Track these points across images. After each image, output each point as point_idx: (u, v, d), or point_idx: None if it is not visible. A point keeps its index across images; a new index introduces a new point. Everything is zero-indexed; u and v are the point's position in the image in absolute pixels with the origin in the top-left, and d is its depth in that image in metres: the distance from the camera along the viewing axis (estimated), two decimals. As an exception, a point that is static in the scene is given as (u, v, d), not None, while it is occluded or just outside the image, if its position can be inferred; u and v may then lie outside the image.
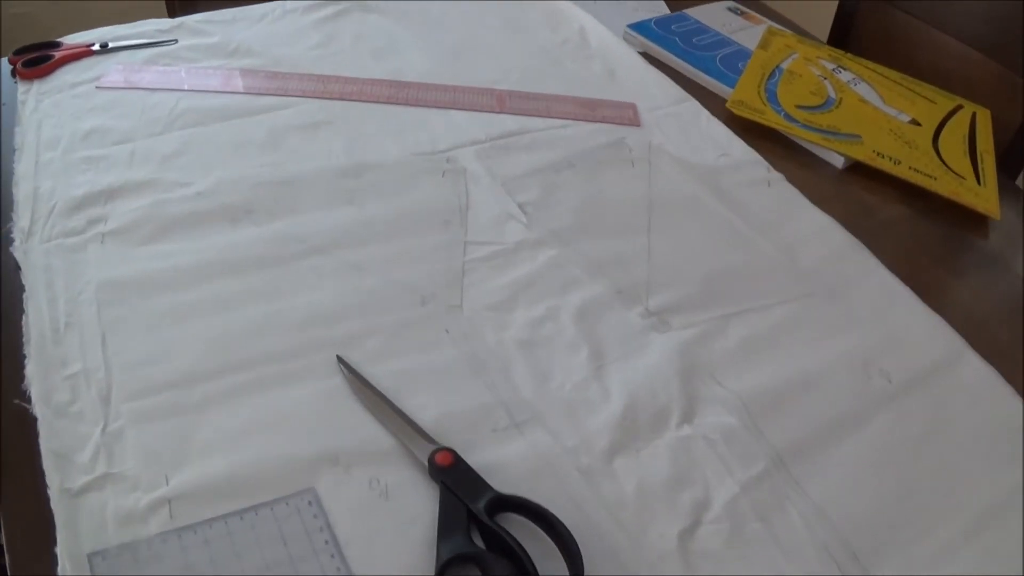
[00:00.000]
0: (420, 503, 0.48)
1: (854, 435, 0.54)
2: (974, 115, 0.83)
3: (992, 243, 0.72)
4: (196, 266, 0.60)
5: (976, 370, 0.58)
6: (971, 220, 0.73)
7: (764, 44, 0.88)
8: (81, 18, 0.91)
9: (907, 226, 0.72)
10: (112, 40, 0.82)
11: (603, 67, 0.85)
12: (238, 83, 0.78)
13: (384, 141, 0.73)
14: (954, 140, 0.79)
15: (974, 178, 0.75)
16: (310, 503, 0.48)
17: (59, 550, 0.45)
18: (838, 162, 0.76)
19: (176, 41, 0.83)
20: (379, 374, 0.54)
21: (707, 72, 0.84)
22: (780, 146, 0.78)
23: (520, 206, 0.67)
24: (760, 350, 0.58)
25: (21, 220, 0.63)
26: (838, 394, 0.56)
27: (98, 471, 0.48)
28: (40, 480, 0.48)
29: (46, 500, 0.47)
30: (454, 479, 0.48)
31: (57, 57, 0.79)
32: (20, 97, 0.76)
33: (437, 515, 0.47)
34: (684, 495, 0.50)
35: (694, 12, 0.94)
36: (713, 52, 0.87)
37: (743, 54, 0.87)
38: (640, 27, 0.89)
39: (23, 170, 0.68)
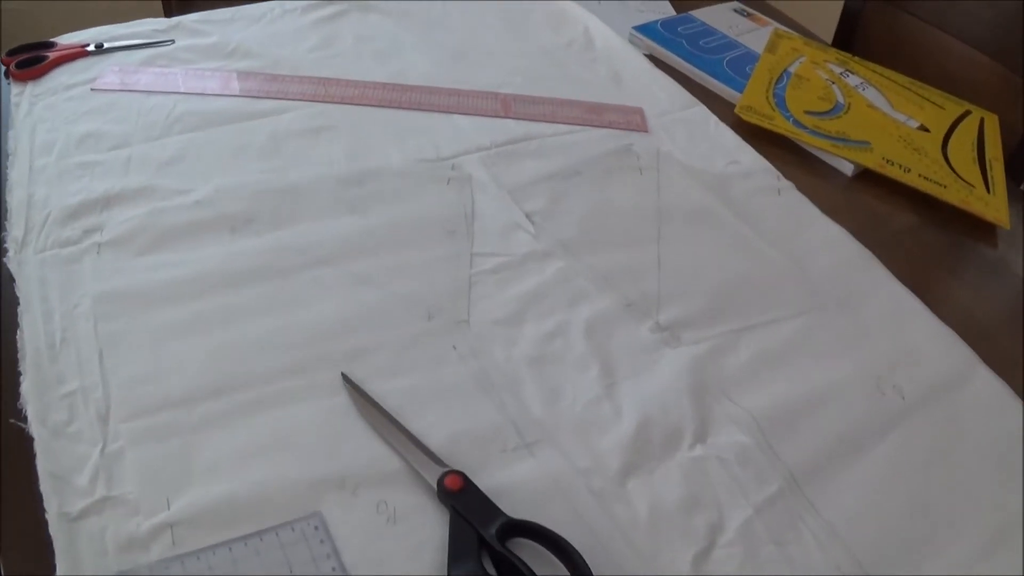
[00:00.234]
0: (429, 528, 0.47)
1: (867, 453, 0.52)
2: (982, 121, 0.82)
3: (1001, 252, 0.71)
4: (195, 278, 0.59)
5: (988, 385, 0.57)
6: (980, 229, 0.71)
7: (771, 47, 0.86)
8: (75, 16, 0.89)
9: (917, 236, 0.71)
10: (107, 40, 0.80)
11: (608, 70, 0.83)
12: (236, 86, 0.75)
13: (386, 147, 0.71)
14: (963, 147, 0.78)
15: (983, 186, 0.74)
16: (316, 528, 0.47)
17: (60, 577, 0.43)
18: (847, 169, 0.75)
19: (173, 41, 0.81)
20: (385, 392, 0.53)
21: (715, 76, 0.83)
22: (788, 152, 0.76)
23: (527, 215, 0.66)
24: (772, 366, 0.57)
25: (15, 229, 0.61)
26: (851, 411, 0.55)
27: (97, 494, 0.47)
28: (39, 503, 0.46)
29: (45, 524, 0.45)
30: (464, 504, 0.47)
31: (51, 58, 0.76)
32: (13, 100, 0.74)
33: (447, 540, 0.45)
34: (698, 518, 0.48)
35: (700, 14, 0.92)
36: (720, 55, 0.85)
37: (750, 57, 0.85)
38: (646, 29, 0.87)
39: (16, 176, 0.66)
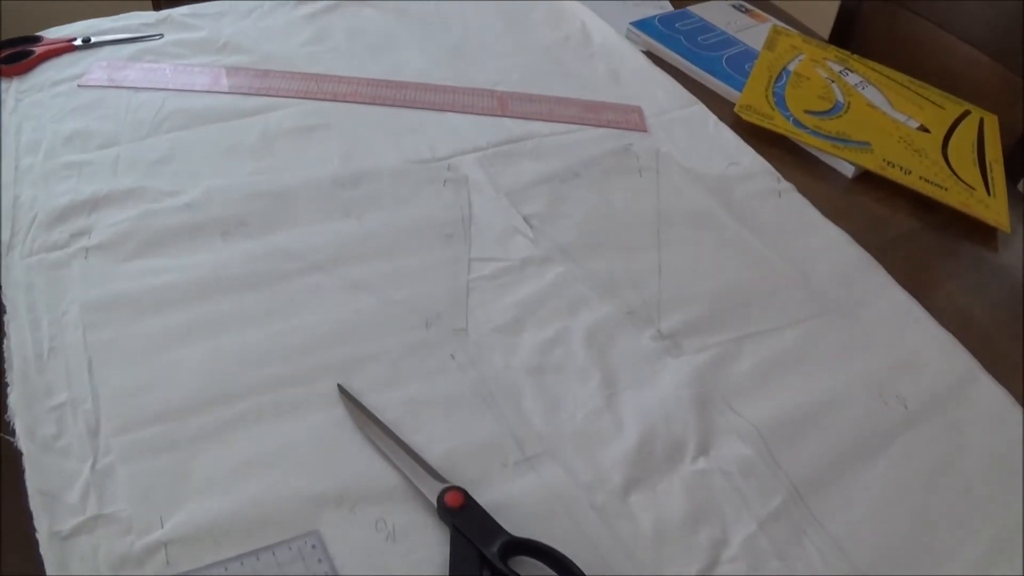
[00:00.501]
0: (429, 546, 0.45)
1: (871, 464, 0.52)
2: (982, 121, 0.81)
3: (1001, 256, 0.70)
4: (186, 284, 0.57)
5: (989, 392, 0.57)
6: (980, 231, 0.71)
7: (770, 44, 0.85)
8: (61, 8, 0.86)
9: (917, 239, 0.70)
10: (95, 34, 0.77)
11: (606, 67, 0.81)
12: (227, 82, 0.73)
13: (381, 146, 0.69)
14: (963, 148, 0.77)
15: (983, 188, 0.73)
16: (314, 546, 0.45)
17: (51, 599, 0.41)
18: (848, 171, 0.73)
19: (162, 35, 0.78)
20: (382, 404, 0.51)
21: (713, 73, 0.81)
22: (788, 152, 0.75)
23: (525, 219, 0.64)
24: (775, 375, 0.56)
25: (1, 233, 0.59)
26: (854, 421, 0.54)
27: (89, 512, 0.45)
28: (29, 520, 0.45)
29: (36, 543, 0.44)
30: (465, 521, 0.46)
31: (38, 53, 0.73)
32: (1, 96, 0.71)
33: (447, 559, 0.44)
34: (702, 533, 0.47)
35: (698, 9, 0.90)
36: (719, 52, 0.83)
37: (749, 54, 0.84)
38: (644, 25, 0.86)
39: (2, 177, 0.63)
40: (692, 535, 0.47)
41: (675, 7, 0.92)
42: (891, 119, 0.78)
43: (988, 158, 0.77)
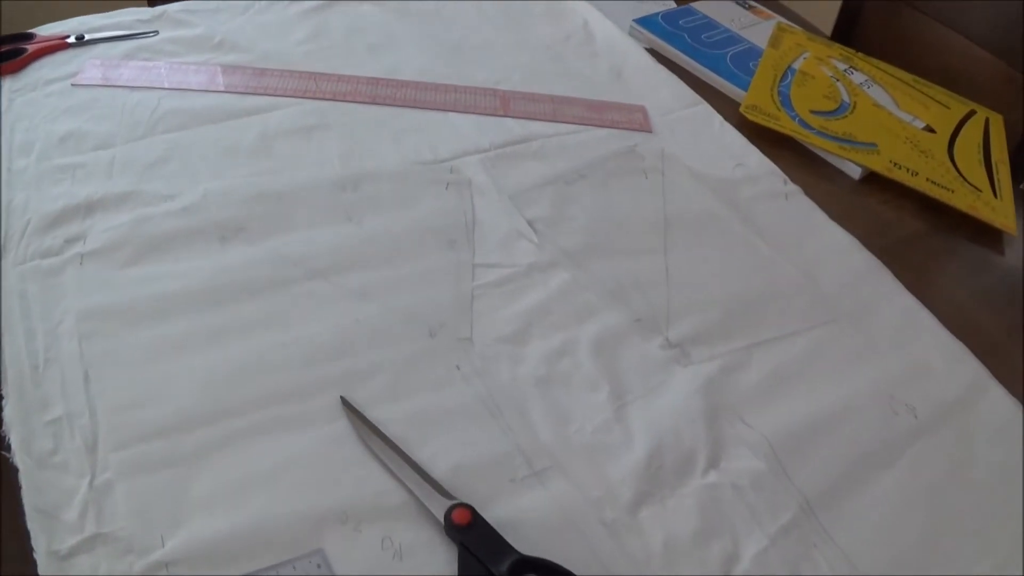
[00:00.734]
0: (437, 565, 0.44)
1: (881, 476, 0.50)
2: (987, 121, 0.79)
3: (1008, 259, 0.68)
4: (184, 292, 0.55)
5: (999, 401, 0.55)
6: (986, 234, 0.69)
7: (774, 42, 0.83)
8: (54, 5, 0.83)
9: (924, 242, 0.68)
10: (89, 31, 0.75)
11: (609, 65, 0.79)
12: (223, 81, 0.71)
13: (382, 147, 0.67)
14: (969, 149, 0.76)
15: (990, 190, 0.72)
16: (319, 566, 0.44)
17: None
18: (854, 173, 0.72)
19: (157, 32, 0.76)
20: (386, 417, 0.50)
21: (718, 72, 0.79)
22: (794, 153, 0.73)
23: (530, 223, 0.62)
24: (784, 384, 0.54)
25: (-7, 238, 0.57)
26: (864, 431, 0.52)
27: (87, 531, 0.44)
28: (26, 538, 0.43)
29: (34, 563, 0.42)
30: (473, 539, 0.44)
31: (30, 51, 0.71)
32: (-7, 96, 0.69)
33: (456, 578, 0.43)
34: (713, 548, 0.46)
35: (701, 6, 0.88)
36: (723, 50, 0.82)
37: (754, 52, 0.82)
38: (647, 22, 0.84)
39: (-6, 180, 0.62)
40: (703, 551, 0.46)
41: (678, 3, 0.90)
42: (897, 119, 0.77)
43: (994, 159, 0.75)
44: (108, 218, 0.59)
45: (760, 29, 0.85)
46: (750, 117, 0.74)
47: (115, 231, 0.58)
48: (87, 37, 0.74)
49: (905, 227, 0.69)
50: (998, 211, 0.70)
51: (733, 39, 0.84)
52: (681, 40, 0.82)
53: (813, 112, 0.75)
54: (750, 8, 0.89)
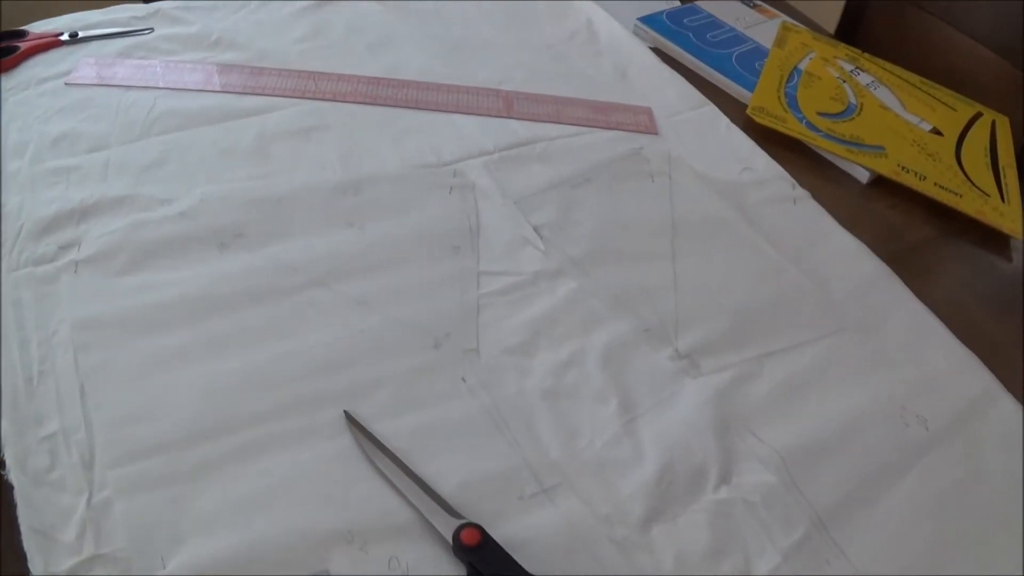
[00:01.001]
0: (445, 586, 0.43)
1: (892, 489, 0.49)
2: (993, 124, 0.78)
3: (1016, 264, 0.67)
4: (182, 301, 0.53)
5: (1009, 410, 0.54)
6: (995, 239, 0.68)
7: (780, 42, 0.81)
8: (47, 2, 0.80)
9: (933, 248, 0.67)
10: (83, 28, 0.72)
11: (613, 65, 0.77)
12: (220, 81, 0.69)
13: (383, 150, 0.65)
14: (976, 152, 0.74)
15: (998, 195, 0.70)
16: (324, 588, 0.42)
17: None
18: (862, 176, 0.70)
19: (152, 30, 0.74)
20: (391, 431, 0.48)
21: (723, 72, 0.77)
22: (801, 156, 0.72)
23: (536, 229, 0.61)
24: (795, 396, 0.53)
25: (-15, 244, 0.55)
26: (876, 444, 0.51)
27: (86, 552, 0.42)
28: (23, 560, 0.42)
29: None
30: (482, 560, 0.43)
31: (23, 48, 0.68)
32: (-16, 95, 0.67)
33: (464, 600, 0.42)
34: (724, 566, 0.45)
35: (706, 5, 0.86)
36: (729, 50, 0.80)
37: (759, 52, 0.80)
38: (651, 20, 0.82)
39: (-15, 183, 0.59)
40: (715, 568, 0.45)
41: (682, 2, 0.88)
42: (904, 121, 0.75)
43: (1001, 163, 0.74)
44: (103, 223, 0.57)
45: (765, 28, 0.83)
46: (757, 119, 0.72)
47: (110, 237, 0.56)
48: (81, 34, 0.71)
49: (913, 232, 0.68)
50: (1006, 216, 0.68)
51: (738, 38, 0.82)
52: (686, 39, 0.80)
53: (820, 114, 0.74)
54: (755, 7, 0.87)
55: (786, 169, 0.69)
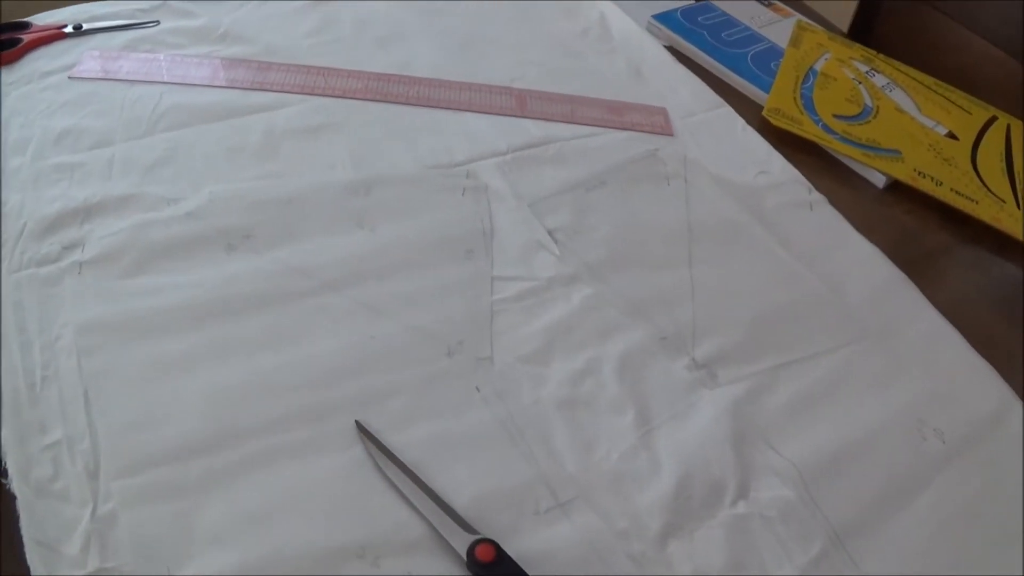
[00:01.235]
0: (459, 603, 0.41)
1: (909, 504, 0.48)
2: (1008, 128, 0.76)
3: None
4: (188, 305, 0.51)
5: (1026, 422, 0.53)
6: (1011, 246, 0.66)
7: (795, 41, 0.79)
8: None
9: (949, 255, 0.65)
10: (87, 21, 0.70)
11: (627, 63, 0.75)
12: (227, 76, 0.67)
13: (394, 149, 0.63)
14: (991, 157, 0.73)
15: (1013, 201, 0.69)
16: (335, 605, 0.41)
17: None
18: (879, 181, 0.69)
19: (158, 23, 0.71)
20: (403, 443, 0.47)
21: (739, 72, 0.75)
22: (816, 159, 0.70)
23: (550, 233, 0.59)
24: (812, 407, 0.52)
25: (-13, 244, 0.53)
26: (893, 457, 0.50)
27: (90, 567, 0.40)
28: (26, 573, 0.40)
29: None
30: (497, 577, 0.41)
31: (26, 41, 0.66)
32: (-14, 89, 0.64)
33: (478, 618, 0.40)
34: (742, 584, 0.44)
35: (721, 3, 0.84)
36: (744, 49, 0.78)
37: (774, 52, 0.78)
38: (665, 18, 0.80)
39: (-13, 179, 0.57)
40: (733, 586, 0.43)
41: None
42: (920, 125, 0.74)
43: (1016, 168, 0.72)
44: (108, 223, 0.55)
45: (780, 27, 0.81)
46: (774, 121, 0.70)
47: (115, 237, 0.54)
48: (85, 27, 0.69)
49: (930, 238, 0.66)
50: (1022, 223, 0.67)
51: (753, 37, 0.80)
52: (700, 38, 0.78)
53: (836, 116, 0.72)
54: (770, 5, 0.85)
55: (801, 172, 0.67)
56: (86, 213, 0.55)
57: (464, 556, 0.42)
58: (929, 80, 0.79)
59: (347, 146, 0.63)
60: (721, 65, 0.76)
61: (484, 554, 0.42)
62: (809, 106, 0.72)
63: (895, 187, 0.69)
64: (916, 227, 0.67)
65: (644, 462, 0.48)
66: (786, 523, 0.46)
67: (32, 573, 0.40)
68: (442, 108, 0.67)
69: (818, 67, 0.77)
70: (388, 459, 0.46)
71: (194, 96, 0.65)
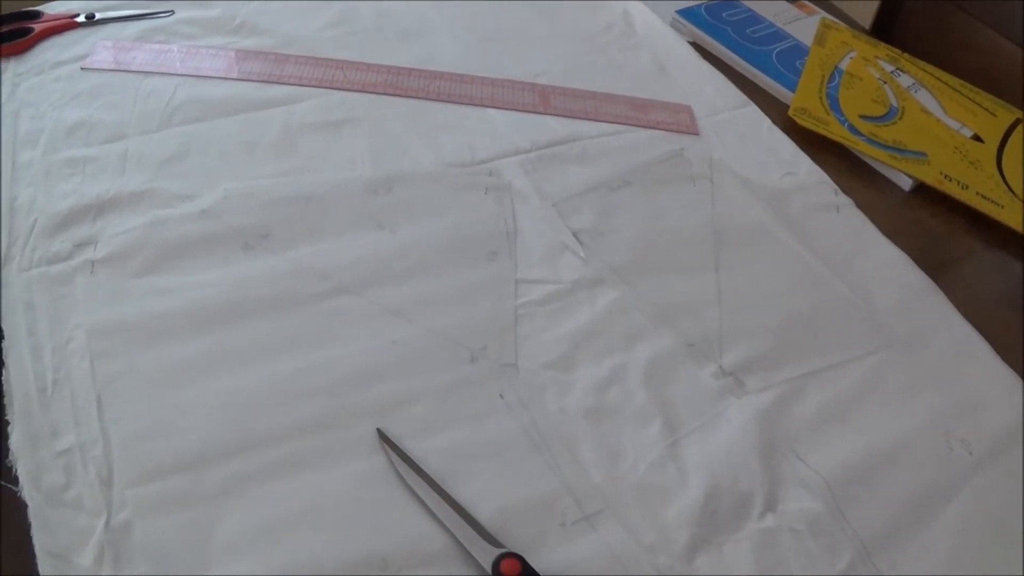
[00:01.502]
0: (483, 620, 0.39)
1: (937, 517, 0.46)
2: (1033, 130, 0.74)
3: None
4: (204, 307, 0.49)
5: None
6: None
7: (820, 39, 0.76)
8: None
9: (976, 261, 0.63)
10: (99, 10, 0.67)
11: (652, 59, 0.73)
12: (243, 68, 0.64)
13: (415, 146, 0.61)
14: (1015, 161, 0.70)
15: (1040, 206, 0.66)
16: (356, 620, 0.39)
17: None
18: (905, 184, 0.66)
19: (172, 12, 0.69)
20: (425, 451, 0.45)
21: (764, 71, 0.73)
22: (841, 160, 0.68)
23: (575, 234, 0.56)
24: (840, 417, 0.50)
25: (-3, 241, 0.51)
26: (920, 469, 0.48)
27: (104, 579, 0.38)
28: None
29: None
30: (522, 593, 0.40)
31: (37, 31, 0.64)
32: (-2, 79, 0.62)
33: (504, 636, 0.39)
34: (770, 599, 0.42)
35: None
36: (769, 47, 0.75)
37: (800, 50, 0.76)
38: (690, 14, 0.77)
39: (-3, 174, 0.55)
40: (761, 602, 0.42)
41: (718, -6, 0.83)
42: (945, 127, 0.71)
43: (1043, 172, 0.70)
44: (121, 220, 0.53)
45: (804, 25, 0.79)
46: (800, 121, 0.68)
47: (129, 235, 0.52)
48: (98, 16, 0.67)
49: (956, 244, 0.64)
50: (1049, 228, 0.64)
51: (778, 35, 0.77)
52: (725, 34, 0.76)
53: (862, 117, 0.69)
54: (794, 2, 0.82)
55: (827, 174, 0.65)
56: (99, 209, 0.53)
57: (489, 570, 0.40)
58: (954, 81, 0.77)
59: (367, 142, 0.61)
60: (746, 62, 0.74)
61: (509, 569, 0.40)
62: (835, 106, 0.70)
63: (920, 190, 0.67)
64: (942, 231, 0.65)
65: (671, 473, 0.46)
66: (814, 536, 0.44)
67: (44, 584, 0.38)
68: (464, 104, 0.65)
69: (843, 66, 0.74)
70: (410, 468, 0.44)
71: (209, 89, 0.63)
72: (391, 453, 0.44)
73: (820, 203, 0.62)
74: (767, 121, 0.68)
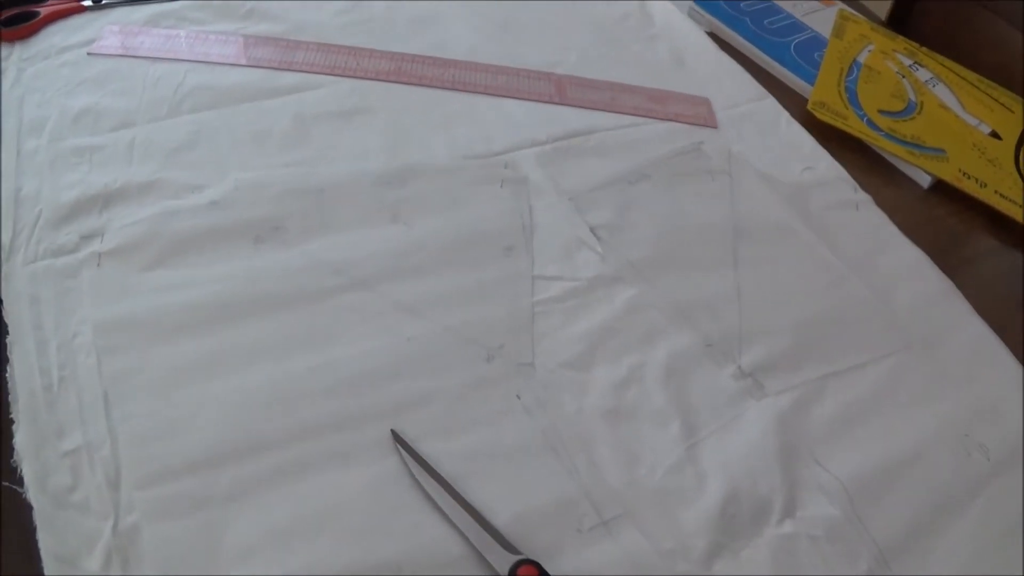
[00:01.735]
0: (499, 628, 0.38)
1: (954, 523, 0.44)
2: (1051, 127, 0.71)
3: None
4: (214, 302, 0.47)
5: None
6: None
7: (838, 31, 0.74)
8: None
9: (994, 262, 0.61)
10: (107, -7, 0.65)
11: (669, 50, 0.70)
12: (254, 55, 0.62)
13: (430, 137, 0.59)
14: (1034, 158, 0.68)
15: (1056, 205, 0.64)
16: (370, 628, 0.37)
17: None
18: (923, 181, 0.64)
19: (181, -4, 0.66)
20: (441, 454, 0.43)
21: (782, 63, 0.70)
22: (859, 155, 0.65)
23: (592, 230, 0.54)
24: (859, 420, 0.48)
25: (1, 232, 0.48)
26: (938, 474, 0.46)
27: (112, 583, 0.37)
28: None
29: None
30: (540, 602, 0.38)
31: (43, 14, 0.61)
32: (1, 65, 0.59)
33: (521, 646, 0.37)
34: (788, 607, 0.40)
35: (763, -11, 0.78)
36: (787, 38, 0.73)
37: (818, 42, 0.73)
38: (708, 4, 0.74)
39: (2, 163, 0.52)
40: (779, 610, 0.40)
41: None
42: (963, 123, 0.69)
43: (1061, 170, 0.67)
44: (129, 211, 0.51)
45: (822, 16, 0.76)
46: (819, 116, 0.65)
47: (137, 227, 0.50)
48: (105, 0, 0.64)
49: (975, 243, 0.62)
50: (1069, 229, 0.62)
51: (796, 26, 0.75)
52: (743, 25, 0.73)
53: (881, 112, 0.67)
54: (812, -8, 0.79)
55: (845, 169, 0.62)
56: (106, 200, 0.51)
57: (505, 578, 0.38)
58: (972, 76, 0.74)
59: (380, 132, 0.58)
60: (764, 54, 0.71)
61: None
62: (854, 100, 0.67)
63: (939, 187, 0.65)
64: (961, 230, 0.63)
65: (690, 477, 0.44)
66: (832, 542, 0.43)
67: (50, 589, 0.37)
68: (478, 93, 0.62)
69: (862, 59, 0.72)
70: (424, 471, 0.42)
71: (219, 76, 0.60)
72: (405, 455, 0.42)
73: (839, 200, 0.60)
74: (786, 114, 0.66)
